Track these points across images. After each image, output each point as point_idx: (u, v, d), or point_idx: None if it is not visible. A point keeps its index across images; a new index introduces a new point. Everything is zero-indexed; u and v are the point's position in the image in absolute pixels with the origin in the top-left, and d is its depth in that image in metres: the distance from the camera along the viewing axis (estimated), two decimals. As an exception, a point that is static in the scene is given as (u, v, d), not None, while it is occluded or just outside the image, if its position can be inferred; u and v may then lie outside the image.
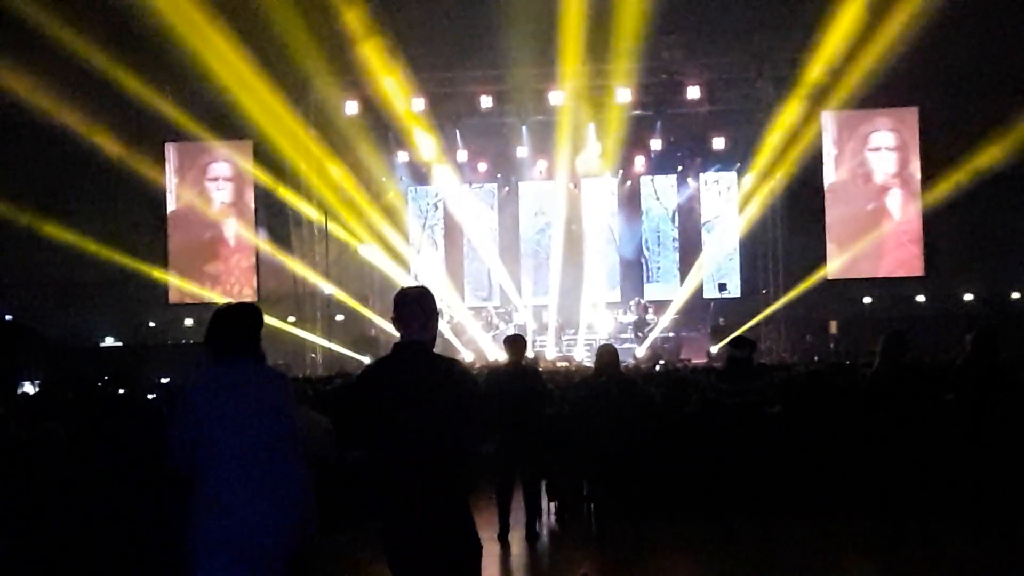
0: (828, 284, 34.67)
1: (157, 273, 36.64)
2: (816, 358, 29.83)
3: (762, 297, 35.61)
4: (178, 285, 36.95)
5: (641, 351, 33.17)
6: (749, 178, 36.17)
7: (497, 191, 38.65)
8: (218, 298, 36.76)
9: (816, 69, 32.98)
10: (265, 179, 35.94)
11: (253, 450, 6.20)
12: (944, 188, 33.27)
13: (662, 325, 34.56)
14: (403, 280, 37.14)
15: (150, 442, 10.18)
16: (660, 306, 35.37)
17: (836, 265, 34.65)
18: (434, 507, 6.05)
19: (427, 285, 6.76)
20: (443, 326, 35.98)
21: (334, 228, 36.41)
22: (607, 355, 12.71)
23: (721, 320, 34.83)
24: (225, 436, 6.19)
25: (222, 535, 6.09)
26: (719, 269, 37.60)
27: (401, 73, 32.73)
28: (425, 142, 35.25)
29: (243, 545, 6.08)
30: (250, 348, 6.51)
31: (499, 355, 28.37)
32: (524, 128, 35.93)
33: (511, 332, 23.97)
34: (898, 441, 11.26)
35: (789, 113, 33.37)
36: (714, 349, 33.01)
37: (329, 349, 35.90)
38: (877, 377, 11.53)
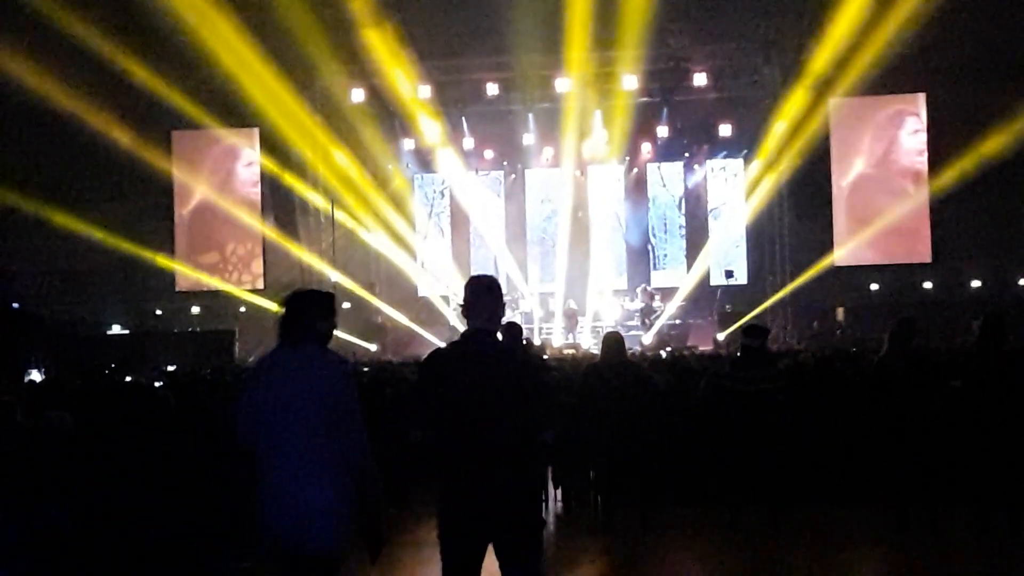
0: (835, 271, 34.62)
1: (164, 261, 36.66)
2: (823, 345, 29.84)
3: (769, 284, 35.56)
4: (185, 273, 36.96)
5: (648, 338, 33.16)
6: (756, 165, 36.10)
7: (503, 178, 38.61)
8: (224, 286, 36.82)
9: (823, 56, 32.91)
10: (271, 167, 35.94)
11: (306, 434, 6.36)
12: (952, 174, 33.23)
13: (669, 312, 34.53)
14: (409, 268, 37.21)
15: (157, 430, 10.21)
16: (667, 293, 35.33)
17: (843, 252, 34.60)
18: (497, 487, 6.28)
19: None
20: (448, 312, 36.03)
21: (340, 216, 36.39)
22: (613, 342, 12.69)
23: (728, 307, 34.77)
24: (280, 418, 6.40)
25: (275, 515, 6.30)
26: (726, 256, 37.51)
27: (407, 60, 32.69)
28: (431, 129, 35.21)
29: (296, 527, 6.25)
30: (312, 333, 6.84)
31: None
32: (530, 115, 35.88)
33: (516, 319, 23.98)
34: (905, 428, 11.26)
35: (796, 100, 33.31)
36: (721, 336, 32.96)
37: (335, 337, 35.83)
38: (884, 364, 11.54)
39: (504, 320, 7.28)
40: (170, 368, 25.25)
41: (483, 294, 6.79)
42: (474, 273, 34.45)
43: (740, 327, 13.45)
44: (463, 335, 6.70)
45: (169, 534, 9.64)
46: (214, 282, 37.00)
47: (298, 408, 6.38)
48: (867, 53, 32.34)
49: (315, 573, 6.36)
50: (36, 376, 23.43)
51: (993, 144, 31.42)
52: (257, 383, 6.71)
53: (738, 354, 12.66)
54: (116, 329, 35.52)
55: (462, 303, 6.78)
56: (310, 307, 6.94)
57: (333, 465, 6.35)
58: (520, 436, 6.41)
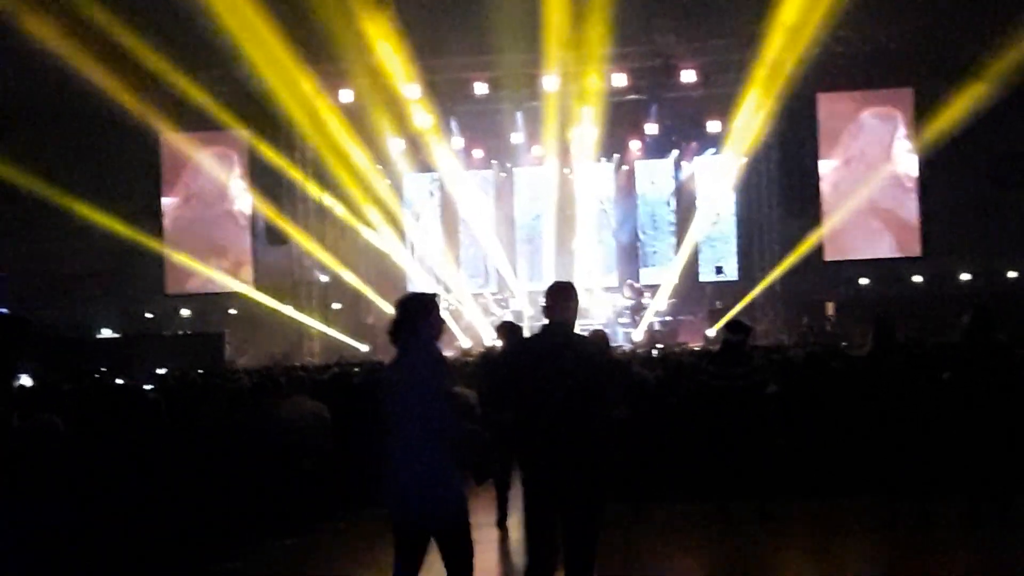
0: (824, 265, 34.69)
1: (153, 263, 36.64)
2: (813, 339, 29.90)
3: (759, 279, 35.61)
4: (175, 276, 36.94)
5: (638, 335, 33.20)
6: (744, 161, 36.15)
7: (493, 177, 38.60)
8: (215, 288, 36.82)
9: (810, 50, 32.97)
10: (261, 169, 35.90)
11: (414, 417, 7.13)
12: (940, 168, 33.32)
13: (657, 308, 34.56)
14: (401, 267, 37.17)
15: (148, 433, 10.22)
16: (656, 290, 35.37)
17: (832, 246, 34.66)
18: (573, 460, 7.11)
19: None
20: (441, 312, 36.00)
21: (332, 215, 36.42)
22: (598, 340, 12.73)
23: (718, 303, 34.81)
24: (394, 410, 7.26)
25: (390, 498, 7.14)
26: (715, 252, 37.56)
27: (396, 59, 32.67)
28: (420, 128, 35.14)
29: (414, 497, 7.02)
30: (412, 332, 7.59)
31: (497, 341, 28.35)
32: (519, 114, 35.86)
33: (507, 318, 24.00)
34: (892, 421, 11.30)
35: (784, 95, 33.33)
36: (711, 332, 33.02)
37: (327, 337, 35.93)
38: (869, 359, 11.60)
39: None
40: (160, 371, 25.22)
41: (561, 295, 7.64)
42: (467, 271, 34.61)
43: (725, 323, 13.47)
44: (543, 327, 7.62)
45: (160, 535, 9.65)
46: (204, 284, 36.98)
47: (405, 401, 7.19)
48: (855, 48, 32.47)
49: (439, 537, 7.08)
50: (26, 380, 23.35)
51: (981, 138, 31.49)
52: (381, 379, 7.87)
53: (719, 350, 12.72)
54: (106, 332, 35.49)
55: (544, 304, 7.67)
56: (403, 309, 7.75)
57: (437, 440, 7.05)
58: (589, 412, 7.19)
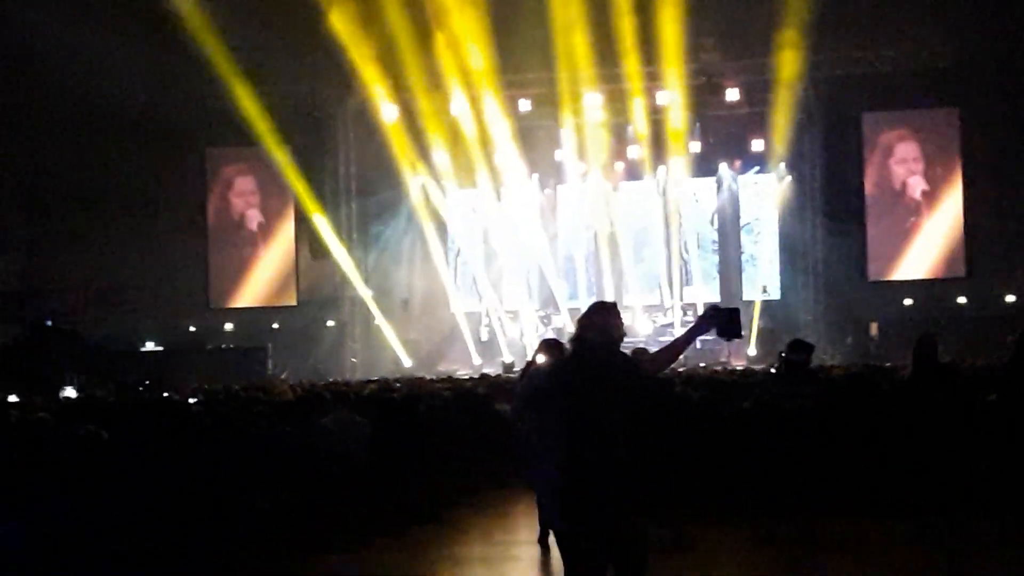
0: (869, 286, 34.53)
1: (197, 277, 36.86)
2: (857, 360, 29.72)
3: (802, 299, 35.46)
4: (218, 289, 37.13)
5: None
6: (789, 180, 36.07)
7: (537, 195, 38.51)
8: (258, 302, 37.01)
9: (855, 70, 32.92)
10: (305, 182, 36.01)
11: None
12: (985, 189, 33.13)
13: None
14: (444, 283, 37.22)
15: (191, 446, 10.24)
16: (695, 309, 35.22)
17: (877, 267, 34.52)
18: (619, 481, 6.95)
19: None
20: (482, 330, 36.08)
21: (373, 231, 36.54)
22: (639, 359, 12.66)
23: (761, 322, 34.68)
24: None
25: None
26: (758, 271, 37.42)
27: (442, 77, 32.76)
28: (465, 145, 35.15)
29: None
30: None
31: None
32: (563, 131, 35.79)
33: (549, 336, 23.97)
34: (936, 442, 11.20)
35: (828, 114, 33.27)
36: (752, 352, 32.90)
37: (369, 351, 36.00)
38: (911, 380, 11.50)
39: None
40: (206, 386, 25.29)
41: (602, 313, 7.35)
42: (507, 290, 34.56)
43: (785, 343, 13.31)
44: (587, 347, 7.25)
45: (204, 549, 9.67)
46: (247, 298, 37.20)
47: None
48: (901, 69, 32.36)
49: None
50: (71, 392, 23.49)
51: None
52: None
53: (774, 369, 12.60)
54: (150, 345, 35.65)
55: (584, 321, 7.34)
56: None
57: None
58: (639, 432, 7.15)
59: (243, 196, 37.40)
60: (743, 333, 7.62)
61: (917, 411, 11.30)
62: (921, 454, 11.31)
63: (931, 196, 34.62)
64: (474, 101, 33.93)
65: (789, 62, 32.42)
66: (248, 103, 34.83)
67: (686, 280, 37.97)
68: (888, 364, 21.23)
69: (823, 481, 12.15)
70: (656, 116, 34.13)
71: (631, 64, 32.15)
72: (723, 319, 7.18)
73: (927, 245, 34.65)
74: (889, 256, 34.76)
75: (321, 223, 36.07)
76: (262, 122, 34.54)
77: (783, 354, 12.59)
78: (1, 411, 14.30)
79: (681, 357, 21.94)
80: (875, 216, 34.74)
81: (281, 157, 36.60)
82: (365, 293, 36.59)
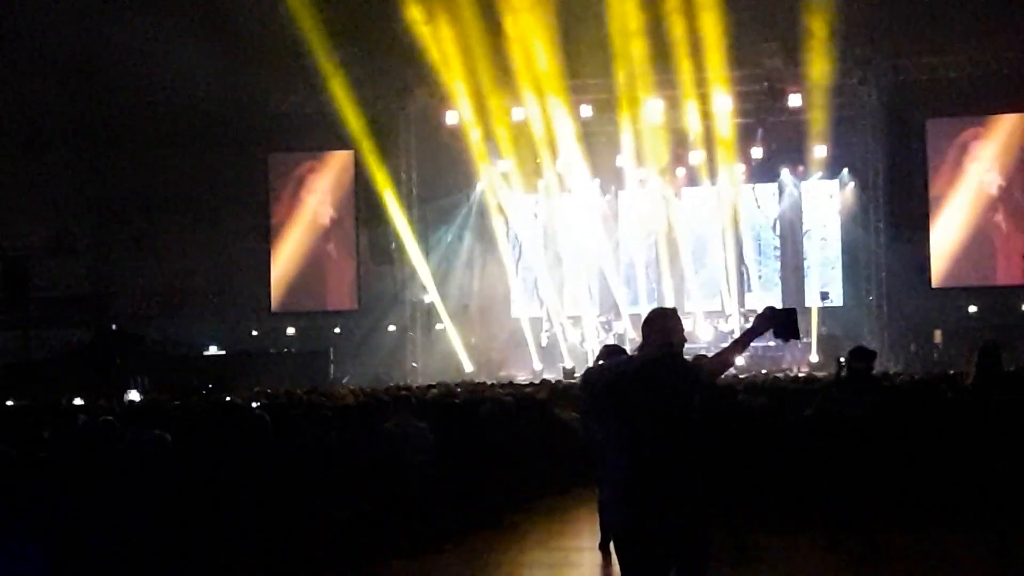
0: (932, 292, 34.27)
1: (260, 281, 37.12)
2: (921, 368, 29.52)
3: (865, 305, 35.23)
4: (281, 293, 37.37)
5: (740, 359, 32.89)
6: (852, 186, 35.88)
7: (598, 200, 38.41)
8: (320, 306, 37.23)
9: (920, 76, 32.72)
10: (367, 187, 36.19)
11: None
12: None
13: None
14: (504, 288, 37.31)
15: (254, 450, 10.30)
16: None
17: (941, 273, 34.27)
18: (680, 473, 6.88)
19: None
20: (543, 336, 36.12)
21: (435, 236, 36.66)
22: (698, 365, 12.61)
23: (824, 329, 34.49)
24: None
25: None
26: (821, 277, 37.21)
27: (501, 82, 32.82)
28: (525, 150, 35.17)
29: None
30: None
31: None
32: (624, 137, 35.68)
33: (611, 341, 23.94)
34: (1001, 452, 11.08)
35: (892, 120, 33.07)
36: (815, 358, 32.72)
37: (430, 356, 36.10)
38: (974, 387, 11.38)
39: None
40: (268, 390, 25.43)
41: (662, 319, 7.34)
42: (568, 295, 34.56)
43: (847, 350, 13.17)
44: (650, 352, 7.18)
45: (267, 552, 9.72)
46: (309, 303, 37.42)
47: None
48: (966, 74, 32.13)
49: None
50: (135, 396, 23.71)
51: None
52: None
53: (841, 375, 12.46)
54: (212, 350, 35.90)
55: (645, 328, 7.29)
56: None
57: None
58: (692, 430, 7.03)
59: (306, 201, 37.62)
60: (800, 335, 7.56)
61: (980, 419, 11.18)
62: (986, 464, 11.19)
63: (996, 203, 34.32)
64: (537, 105, 33.90)
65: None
66: (312, 107, 35.15)
67: (747, 286, 37.79)
68: (952, 371, 21.04)
69: (888, 490, 12.04)
70: (717, 122, 33.99)
71: (689, 70, 32.05)
72: (780, 319, 7.15)
73: (992, 252, 34.36)
74: (953, 263, 34.49)
75: (383, 228, 36.20)
76: (325, 126, 34.77)
77: (841, 360, 12.49)
78: (67, 414, 14.47)
79: (742, 362, 21.89)
80: (939, 222, 34.48)
81: (343, 162, 36.87)
82: (427, 298, 36.68)
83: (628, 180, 37.25)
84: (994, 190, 34.36)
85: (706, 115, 34.10)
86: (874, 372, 12.76)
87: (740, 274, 37.70)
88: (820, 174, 36.63)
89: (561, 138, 35.13)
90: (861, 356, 12.22)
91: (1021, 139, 34.21)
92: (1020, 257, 33.88)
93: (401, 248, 36.38)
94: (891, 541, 11.91)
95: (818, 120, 33.27)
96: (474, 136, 34.77)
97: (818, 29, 31.10)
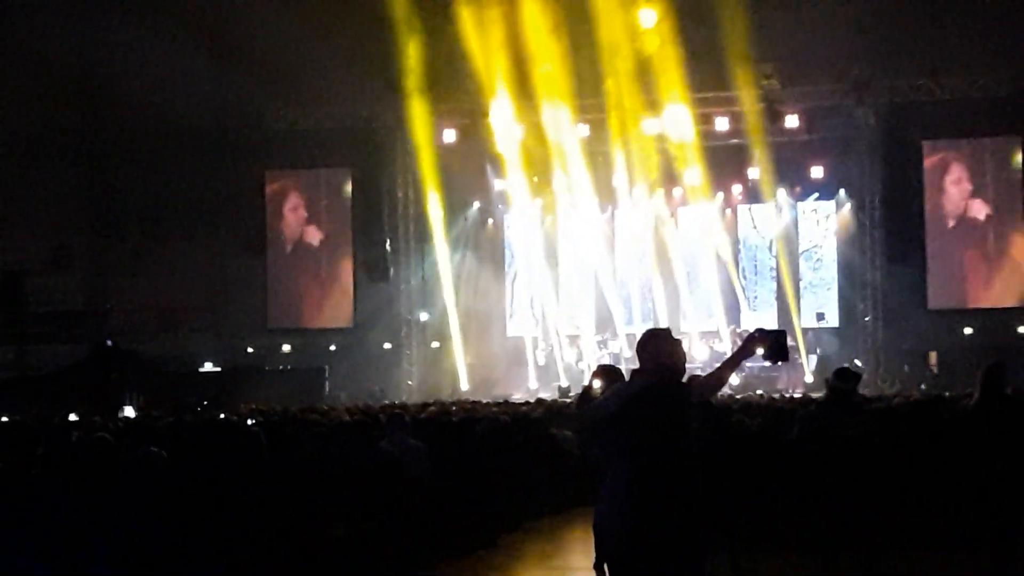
0: (928, 314, 34.27)
1: (256, 298, 37.11)
2: (923, 387, 29.57)
3: (861, 327, 35.23)
4: (277, 310, 37.35)
5: (735, 380, 32.88)
6: (848, 207, 35.96)
7: (595, 219, 38.41)
8: (316, 323, 37.21)
9: (917, 98, 32.81)
10: (364, 204, 36.26)
11: None
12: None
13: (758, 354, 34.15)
14: (500, 306, 37.33)
15: (249, 468, 10.28)
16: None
17: (936, 294, 34.29)
18: (685, 511, 6.89)
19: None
20: (539, 354, 36.11)
21: (430, 255, 36.67)
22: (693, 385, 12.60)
23: (819, 350, 34.51)
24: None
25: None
26: (817, 298, 37.25)
27: (498, 101, 32.86)
28: (522, 169, 35.19)
29: None
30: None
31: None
32: (621, 155, 35.70)
33: (606, 360, 23.93)
34: (1000, 475, 11.05)
35: (889, 142, 33.17)
36: (809, 379, 32.73)
37: (426, 374, 36.08)
38: (978, 409, 11.32)
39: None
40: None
41: (655, 340, 7.30)
42: (565, 314, 34.50)
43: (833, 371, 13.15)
44: (648, 376, 7.17)
45: (261, 571, 9.69)
46: (305, 320, 37.41)
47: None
48: (963, 96, 32.22)
49: None
50: (130, 412, 23.70)
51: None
52: None
53: (828, 397, 12.43)
54: (208, 366, 35.89)
55: (640, 350, 7.27)
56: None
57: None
58: (691, 449, 7.06)
59: (302, 218, 37.61)
60: (789, 356, 7.58)
61: (981, 440, 11.13)
62: (984, 485, 11.15)
63: (993, 223, 34.36)
64: (534, 125, 33.92)
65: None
66: (308, 124, 35.23)
67: (743, 306, 37.80)
68: (947, 393, 21.01)
69: (884, 512, 12.00)
70: (714, 142, 34.06)
71: (691, 90, 32.13)
72: (769, 341, 7.14)
73: (988, 273, 34.39)
74: (949, 284, 34.53)
75: (379, 245, 36.21)
76: (321, 143, 34.83)
77: (828, 380, 12.48)
78: (62, 430, 14.44)
79: (737, 382, 21.87)
80: (936, 243, 34.52)
81: (340, 179, 36.91)
82: (422, 316, 36.70)
83: (623, 199, 37.27)
84: (989, 211, 34.40)
85: (702, 135, 34.14)
86: (862, 393, 12.73)
87: (736, 294, 37.72)
88: (817, 195, 36.75)
89: (558, 157, 35.20)
90: (845, 377, 12.18)
91: (1016, 162, 34.27)
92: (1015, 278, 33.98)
93: (397, 265, 36.41)
94: (886, 564, 11.89)
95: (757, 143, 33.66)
96: (470, 155, 34.81)
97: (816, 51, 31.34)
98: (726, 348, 34.65)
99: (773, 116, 33.74)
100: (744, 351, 7.21)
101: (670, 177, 35.59)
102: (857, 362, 33.73)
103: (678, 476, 6.88)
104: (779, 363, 7.66)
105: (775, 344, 7.14)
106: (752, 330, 7.34)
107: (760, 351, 7.17)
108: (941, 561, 12.26)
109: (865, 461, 11.75)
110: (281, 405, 22.84)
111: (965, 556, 11.88)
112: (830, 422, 11.82)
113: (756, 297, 38.21)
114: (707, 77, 31.82)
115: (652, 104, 32.76)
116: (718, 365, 7.57)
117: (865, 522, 11.80)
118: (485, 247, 37.41)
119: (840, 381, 12.09)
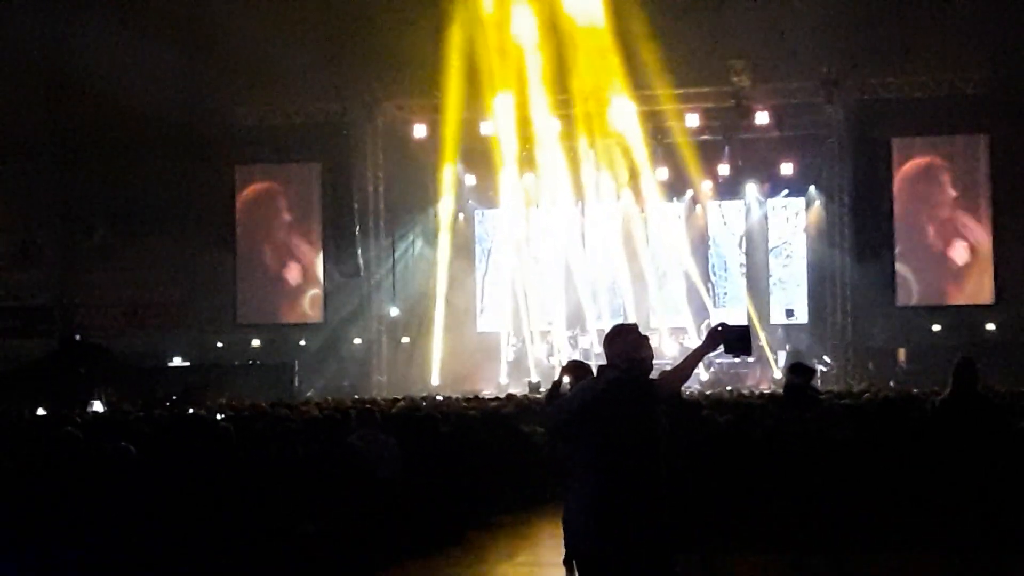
0: (897, 310, 34.41)
1: (225, 293, 37.00)
2: (892, 383, 29.68)
3: (830, 323, 35.34)
4: (246, 306, 37.23)
5: (705, 376, 32.95)
6: (818, 204, 36.07)
7: (565, 215, 38.39)
8: (285, 319, 37.14)
9: (886, 95, 32.94)
10: (334, 199, 36.21)
11: None
12: (1014, 215, 33.07)
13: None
14: (471, 301, 37.31)
15: (219, 463, 10.25)
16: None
17: (905, 291, 34.44)
18: (652, 510, 6.93)
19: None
20: (508, 350, 36.10)
21: (399, 250, 36.62)
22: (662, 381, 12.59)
23: (788, 346, 34.60)
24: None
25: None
26: (786, 294, 37.35)
27: (468, 95, 32.83)
28: (492, 165, 35.19)
29: None
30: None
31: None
32: (591, 151, 35.73)
33: (576, 356, 23.92)
34: (970, 471, 11.07)
35: (858, 139, 33.29)
36: (778, 375, 32.84)
37: (395, 369, 36.02)
38: (946, 403, 11.34)
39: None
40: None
41: (623, 334, 7.34)
42: (535, 310, 34.49)
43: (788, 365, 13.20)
44: (615, 372, 7.19)
45: (231, 566, 9.67)
46: (274, 315, 37.33)
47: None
48: (931, 94, 32.37)
49: None
50: (99, 407, 23.58)
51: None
52: None
53: (784, 393, 12.44)
54: (177, 361, 35.76)
55: (606, 345, 7.31)
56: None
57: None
58: (659, 444, 7.13)
59: (271, 213, 37.51)
60: (752, 350, 7.61)
61: (951, 437, 11.15)
62: (953, 484, 11.18)
63: (960, 221, 34.54)
64: (505, 119, 33.91)
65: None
66: (278, 120, 35.13)
67: (713, 303, 37.84)
68: (916, 391, 21.06)
69: (853, 511, 12.00)
70: (685, 139, 34.09)
71: (658, 86, 32.15)
72: (731, 336, 7.16)
73: (956, 271, 34.56)
74: (919, 281, 34.68)
75: (349, 240, 36.13)
76: (291, 139, 34.75)
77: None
78: (30, 425, 14.38)
79: (706, 378, 21.93)
80: (905, 241, 34.67)
81: (309, 174, 36.82)
82: (393, 311, 36.64)
83: (592, 195, 37.26)
84: (958, 209, 34.57)
85: (672, 132, 34.21)
86: (813, 386, 12.73)
87: (705, 290, 37.75)
88: (787, 192, 36.86)
89: (528, 152, 35.21)
90: (799, 372, 12.20)
91: (984, 159, 34.44)
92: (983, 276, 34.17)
93: (367, 261, 36.32)
94: (856, 561, 11.91)
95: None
96: (441, 149, 34.76)
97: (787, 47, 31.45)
98: (694, 344, 34.67)
99: (743, 113, 33.84)
100: (706, 346, 7.23)
101: (639, 173, 35.57)
102: (826, 358, 33.94)
103: (646, 472, 6.89)
104: (741, 356, 7.66)
105: (738, 338, 7.17)
106: (715, 324, 7.37)
107: (722, 345, 7.18)
108: (911, 559, 12.29)
109: (836, 459, 11.76)
110: (251, 400, 22.77)
111: (935, 555, 11.91)
112: (788, 417, 11.84)
113: (726, 293, 38.26)
114: (678, 74, 31.81)
115: (619, 100, 32.78)
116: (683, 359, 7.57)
117: (836, 520, 11.80)
118: (456, 242, 37.34)
119: (794, 375, 12.11)
